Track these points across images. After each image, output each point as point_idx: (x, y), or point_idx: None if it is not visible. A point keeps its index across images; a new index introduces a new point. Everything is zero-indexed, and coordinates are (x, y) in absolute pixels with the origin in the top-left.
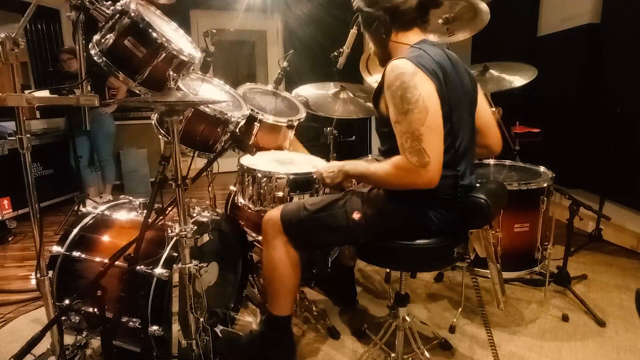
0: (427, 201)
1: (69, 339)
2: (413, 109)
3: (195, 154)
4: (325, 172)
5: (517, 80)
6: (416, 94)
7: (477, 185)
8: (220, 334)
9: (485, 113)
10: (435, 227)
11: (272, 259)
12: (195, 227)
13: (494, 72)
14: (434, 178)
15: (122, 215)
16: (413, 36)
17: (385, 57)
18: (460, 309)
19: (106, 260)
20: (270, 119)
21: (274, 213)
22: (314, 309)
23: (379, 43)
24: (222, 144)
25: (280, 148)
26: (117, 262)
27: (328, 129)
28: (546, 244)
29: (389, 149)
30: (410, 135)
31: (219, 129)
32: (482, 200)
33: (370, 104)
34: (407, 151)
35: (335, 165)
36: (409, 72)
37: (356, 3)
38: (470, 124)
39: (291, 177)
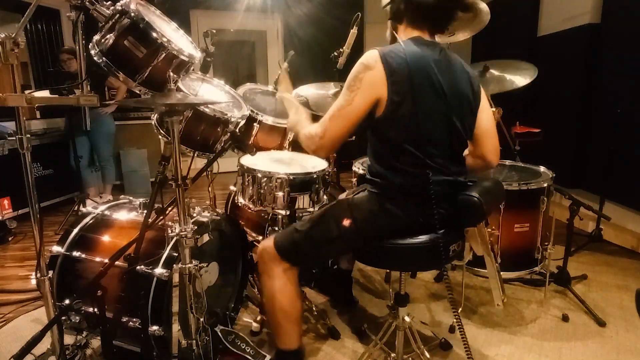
0: (409, 197)
1: (69, 339)
2: (345, 93)
3: (195, 154)
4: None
5: (518, 79)
6: (357, 85)
7: (470, 183)
8: (220, 334)
9: (482, 121)
10: (424, 221)
11: (271, 289)
12: (196, 227)
13: (494, 72)
14: (319, 151)
15: (122, 215)
16: (415, 34)
17: None
18: (460, 309)
19: (106, 260)
20: (270, 119)
21: (267, 243)
22: (314, 309)
23: (392, 26)
24: (222, 144)
25: (280, 148)
26: (117, 262)
27: None
28: (546, 244)
29: (370, 149)
30: (330, 110)
31: (218, 129)
32: (475, 199)
33: None
34: (320, 121)
35: (293, 125)
36: (367, 64)
37: None
38: (460, 123)
39: (291, 177)
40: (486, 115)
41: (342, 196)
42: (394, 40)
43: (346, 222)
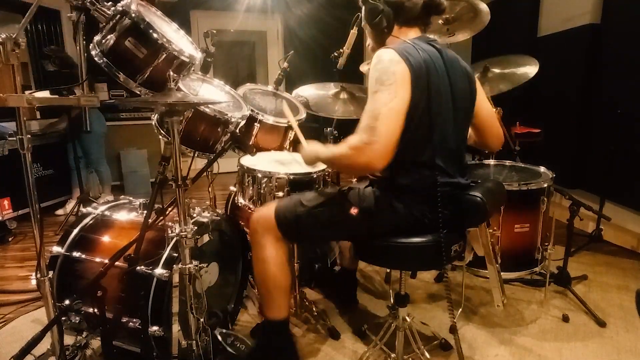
0: (416, 197)
1: (69, 340)
2: (384, 89)
3: (196, 155)
4: (306, 161)
5: (521, 74)
6: (392, 79)
7: (472, 184)
8: (219, 336)
9: (484, 111)
10: (429, 222)
11: (262, 258)
12: (196, 228)
13: (495, 71)
14: (375, 159)
15: (122, 216)
16: (412, 34)
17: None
18: (460, 309)
19: (106, 261)
20: (270, 119)
21: (265, 211)
22: (314, 309)
23: (378, 37)
24: (222, 144)
25: (280, 148)
26: (117, 263)
27: (328, 129)
28: (546, 244)
29: None
30: (370, 113)
31: (219, 130)
32: (478, 199)
33: None
34: (361, 130)
35: (312, 155)
36: (392, 59)
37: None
38: (460, 124)
39: (291, 177)
40: (486, 105)
41: (354, 185)
42: (383, 45)
43: (354, 211)
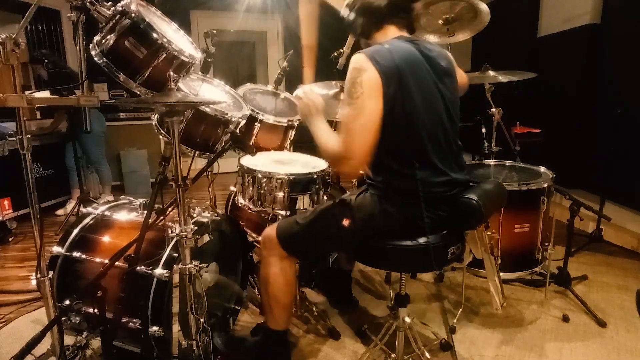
0: (410, 199)
1: (69, 340)
2: (352, 104)
3: (196, 155)
4: (303, 104)
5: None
6: (359, 91)
7: (472, 183)
8: (218, 338)
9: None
10: (423, 224)
11: (267, 276)
12: (196, 228)
13: (491, 73)
14: (354, 169)
15: (122, 216)
16: (391, 33)
17: None
18: (460, 310)
19: (106, 261)
20: (270, 119)
21: (270, 230)
22: (314, 309)
23: (363, 44)
24: (223, 144)
25: (280, 148)
26: (117, 263)
27: None
28: (546, 244)
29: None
30: (345, 126)
31: (219, 130)
32: (474, 202)
33: None
34: (340, 139)
35: (310, 111)
36: (360, 68)
37: (342, 12)
38: (453, 118)
39: (291, 177)
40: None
41: (345, 196)
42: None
43: (345, 222)
